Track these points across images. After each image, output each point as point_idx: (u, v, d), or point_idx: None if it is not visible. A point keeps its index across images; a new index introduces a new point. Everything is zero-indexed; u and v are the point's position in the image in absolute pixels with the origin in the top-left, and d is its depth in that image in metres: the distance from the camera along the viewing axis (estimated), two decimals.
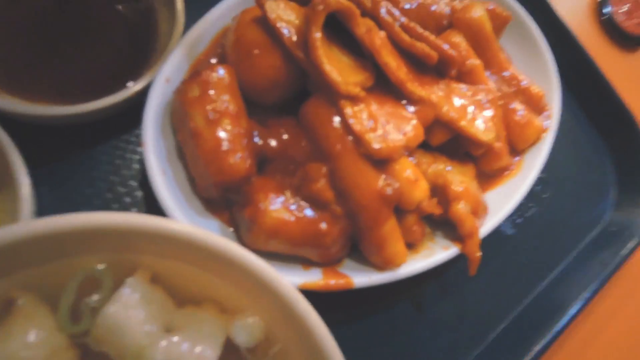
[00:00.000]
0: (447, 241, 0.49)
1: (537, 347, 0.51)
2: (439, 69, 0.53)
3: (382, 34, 0.47)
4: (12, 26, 0.49)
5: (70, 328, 0.30)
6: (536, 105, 0.60)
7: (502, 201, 0.53)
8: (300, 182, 0.43)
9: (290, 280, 0.30)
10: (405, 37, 0.48)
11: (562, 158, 0.69)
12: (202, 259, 0.32)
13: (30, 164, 0.40)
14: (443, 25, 0.58)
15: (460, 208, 0.46)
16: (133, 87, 0.47)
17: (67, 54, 0.50)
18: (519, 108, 0.57)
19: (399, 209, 0.45)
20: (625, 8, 0.92)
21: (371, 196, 0.42)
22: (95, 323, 0.30)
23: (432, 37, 0.50)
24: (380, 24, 0.48)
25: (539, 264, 0.61)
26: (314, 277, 0.43)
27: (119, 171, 0.49)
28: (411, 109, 0.47)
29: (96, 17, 0.53)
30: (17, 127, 0.42)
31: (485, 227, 0.50)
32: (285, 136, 0.45)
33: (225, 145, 0.41)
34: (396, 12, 0.50)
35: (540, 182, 0.64)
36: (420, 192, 0.44)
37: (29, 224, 0.28)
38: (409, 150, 0.45)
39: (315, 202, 0.43)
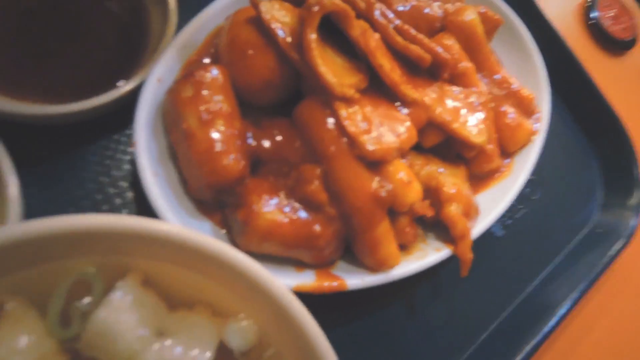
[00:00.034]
0: (439, 243, 0.49)
1: (528, 347, 0.52)
2: (432, 72, 0.53)
3: (377, 36, 0.47)
4: None
5: (60, 333, 0.29)
6: (526, 108, 0.61)
7: (492, 203, 0.53)
8: (294, 183, 0.43)
9: (283, 283, 0.30)
10: (399, 40, 0.48)
11: (551, 160, 0.70)
12: (195, 261, 0.32)
13: (18, 164, 0.39)
14: (436, 27, 0.58)
15: (453, 210, 0.47)
16: (124, 87, 0.46)
17: (56, 52, 0.49)
18: (509, 111, 0.58)
19: (392, 210, 0.45)
20: (611, 13, 0.94)
21: (365, 198, 0.42)
22: (85, 328, 0.29)
23: (425, 40, 0.50)
24: (374, 25, 0.48)
25: (529, 264, 0.62)
26: (308, 279, 0.43)
27: (109, 172, 0.48)
28: (404, 111, 0.47)
29: (86, 15, 0.52)
30: (5, 126, 0.41)
31: (477, 229, 0.50)
32: (279, 137, 0.45)
33: (218, 147, 0.41)
34: (390, 15, 0.50)
35: (529, 184, 0.64)
36: (413, 194, 0.44)
37: (17, 226, 0.27)
38: (403, 152, 0.45)
39: (309, 204, 0.43)
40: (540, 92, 0.63)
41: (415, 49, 0.49)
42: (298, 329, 0.31)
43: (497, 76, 0.61)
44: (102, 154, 0.49)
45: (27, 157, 0.46)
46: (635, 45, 0.93)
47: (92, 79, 0.49)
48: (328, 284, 0.43)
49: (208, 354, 0.31)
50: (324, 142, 0.43)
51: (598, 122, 0.75)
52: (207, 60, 0.51)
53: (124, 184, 0.48)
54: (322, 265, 0.45)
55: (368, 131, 0.43)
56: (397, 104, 0.48)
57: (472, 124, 0.50)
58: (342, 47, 0.48)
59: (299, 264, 0.45)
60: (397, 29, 0.50)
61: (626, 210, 0.68)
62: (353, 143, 0.42)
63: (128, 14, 0.54)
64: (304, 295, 0.34)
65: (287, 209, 0.42)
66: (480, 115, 0.52)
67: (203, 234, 0.30)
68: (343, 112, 0.43)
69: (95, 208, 0.46)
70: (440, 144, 0.52)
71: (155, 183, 0.42)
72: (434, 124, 0.49)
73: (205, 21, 0.52)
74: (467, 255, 0.47)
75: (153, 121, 0.46)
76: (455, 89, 0.53)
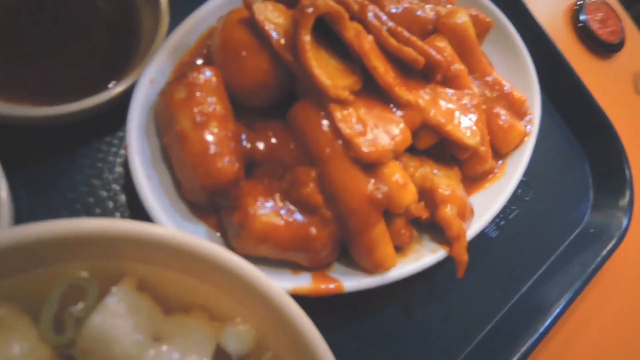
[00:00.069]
0: (435, 244, 0.49)
1: (524, 348, 0.52)
2: (425, 74, 0.53)
3: (370, 38, 0.47)
4: None
5: (54, 339, 0.29)
6: (518, 110, 0.61)
7: (486, 204, 0.54)
8: (289, 186, 0.43)
9: (280, 286, 0.30)
10: (393, 42, 0.48)
11: (542, 161, 0.70)
12: (190, 265, 0.31)
13: (7, 167, 0.39)
14: (428, 30, 0.59)
15: (448, 211, 0.47)
16: (116, 88, 0.45)
17: (46, 52, 0.48)
18: (502, 113, 0.58)
19: (387, 212, 0.45)
20: (599, 16, 0.95)
21: (361, 200, 0.42)
22: (80, 334, 0.29)
23: (419, 42, 0.50)
24: (367, 27, 0.48)
25: (523, 265, 0.63)
26: (304, 282, 0.43)
27: (101, 174, 0.47)
28: (398, 113, 0.47)
29: (76, 16, 0.51)
30: None
31: (472, 230, 0.50)
32: (273, 139, 0.44)
33: (212, 149, 0.40)
34: (383, 17, 0.50)
35: (521, 185, 0.65)
36: (409, 195, 0.44)
37: (8, 231, 0.27)
38: (397, 154, 0.45)
39: (305, 206, 0.42)
40: (531, 94, 0.63)
41: (408, 51, 0.49)
42: (296, 332, 0.30)
43: (488, 78, 0.61)
44: (93, 157, 0.48)
45: (16, 159, 0.45)
46: (623, 48, 0.94)
47: (83, 80, 0.48)
48: (325, 287, 0.43)
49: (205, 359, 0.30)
50: (319, 144, 0.43)
51: (588, 123, 0.76)
52: (199, 62, 0.50)
53: (116, 187, 0.47)
54: (318, 268, 0.45)
55: (363, 133, 0.43)
56: (391, 106, 0.48)
57: (466, 125, 0.50)
58: (335, 49, 0.48)
59: (295, 267, 0.45)
60: (391, 31, 0.50)
61: (618, 211, 0.69)
62: (348, 145, 0.42)
63: (118, 15, 0.53)
64: (300, 298, 0.33)
65: (282, 212, 0.42)
66: (474, 117, 0.52)
67: (198, 237, 0.30)
68: (338, 114, 0.43)
69: (88, 211, 0.46)
70: (433, 145, 0.52)
71: (149, 186, 0.42)
72: (428, 126, 0.49)
73: (198, 22, 0.51)
74: (463, 256, 0.47)
75: (145, 123, 0.46)
76: (448, 91, 0.53)
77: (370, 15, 0.49)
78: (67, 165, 0.47)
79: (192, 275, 0.32)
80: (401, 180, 0.44)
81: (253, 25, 0.46)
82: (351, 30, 0.46)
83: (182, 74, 0.43)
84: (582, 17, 0.92)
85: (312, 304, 0.37)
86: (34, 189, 0.45)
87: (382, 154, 0.43)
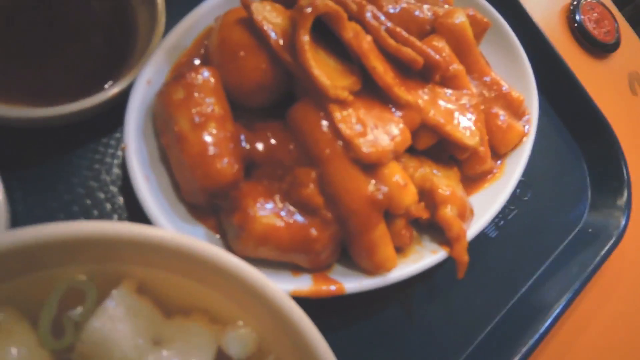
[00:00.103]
0: (435, 245, 0.49)
1: (524, 349, 0.52)
2: (423, 74, 0.53)
3: (369, 38, 0.47)
4: None
5: (52, 344, 0.28)
6: (516, 110, 0.61)
7: (486, 204, 0.54)
8: (289, 187, 0.42)
9: (280, 288, 0.29)
10: (392, 42, 0.48)
11: (540, 161, 0.71)
12: (190, 267, 0.31)
13: (2, 168, 0.38)
14: (426, 30, 0.59)
15: (448, 212, 0.47)
16: (112, 89, 0.45)
17: (41, 53, 0.48)
18: (500, 113, 0.58)
19: (387, 213, 0.45)
20: (594, 16, 0.96)
21: (361, 201, 0.42)
22: (79, 338, 0.28)
23: (417, 42, 0.50)
24: (365, 28, 0.48)
25: (523, 265, 0.63)
26: (305, 284, 0.43)
27: (98, 176, 0.47)
28: (398, 113, 0.47)
29: (72, 16, 0.51)
30: None
31: (472, 231, 0.50)
32: (272, 140, 0.44)
33: (211, 150, 0.40)
34: (382, 17, 0.50)
35: (520, 185, 0.65)
36: (409, 196, 0.44)
37: (6, 235, 0.26)
38: (397, 155, 0.45)
39: (305, 208, 0.42)
40: (528, 94, 0.63)
41: (407, 51, 0.49)
42: (298, 335, 0.30)
43: (486, 78, 0.61)
44: (90, 158, 0.47)
45: (12, 161, 0.44)
46: (618, 48, 0.95)
47: (79, 81, 0.48)
48: (326, 288, 0.42)
49: None
50: (319, 145, 0.42)
51: (585, 123, 0.77)
52: (197, 62, 0.50)
53: (114, 189, 0.47)
54: (318, 269, 0.44)
55: (363, 134, 0.42)
56: (390, 106, 0.47)
57: (465, 125, 0.50)
58: (333, 49, 0.48)
59: (295, 269, 0.44)
60: (389, 31, 0.50)
61: (616, 210, 0.69)
62: (348, 146, 0.42)
63: (114, 15, 0.53)
64: (300, 300, 0.33)
65: (282, 213, 0.41)
66: (473, 117, 0.52)
67: (198, 240, 0.30)
68: (337, 114, 0.42)
69: (85, 213, 0.45)
70: (432, 146, 0.52)
71: (147, 187, 0.42)
72: (427, 126, 0.49)
73: (195, 22, 0.51)
74: (464, 257, 0.47)
75: (143, 124, 0.45)
76: (447, 91, 0.53)
77: (368, 15, 0.48)
78: (63, 166, 0.46)
79: (192, 278, 0.32)
80: (401, 181, 0.43)
81: (251, 25, 0.45)
82: (350, 31, 0.45)
83: (180, 74, 0.43)
84: (577, 18, 0.92)
85: (313, 305, 0.37)
86: (30, 191, 0.44)
87: (382, 154, 0.42)
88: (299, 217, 0.42)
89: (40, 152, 0.46)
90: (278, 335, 0.31)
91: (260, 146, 0.44)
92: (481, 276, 0.58)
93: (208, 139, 0.40)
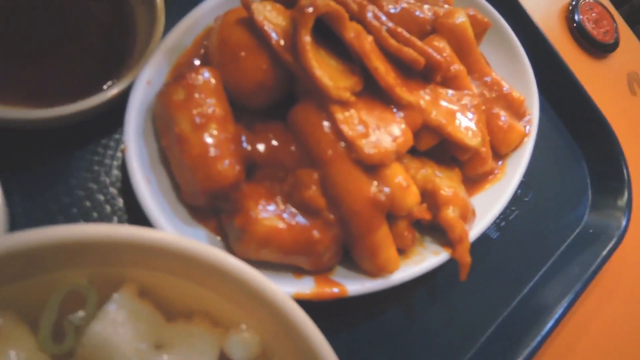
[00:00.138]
0: (437, 246, 0.49)
1: (526, 351, 0.52)
2: (424, 74, 0.53)
3: (370, 38, 0.47)
4: None
5: (52, 348, 0.28)
6: (517, 111, 0.61)
7: (487, 205, 0.53)
8: (290, 188, 0.42)
9: (283, 290, 0.29)
10: (393, 42, 0.48)
11: (540, 162, 0.70)
12: (192, 270, 0.31)
13: (0, 170, 0.38)
14: (426, 30, 0.58)
15: (450, 213, 0.46)
16: (112, 90, 0.44)
17: (40, 54, 0.47)
18: (501, 113, 0.58)
19: (389, 214, 0.45)
20: (593, 16, 0.96)
21: (364, 202, 0.42)
22: (80, 342, 0.28)
23: (418, 43, 0.50)
24: (366, 28, 0.48)
25: (524, 266, 0.62)
26: (307, 286, 0.42)
27: (98, 178, 0.46)
28: (399, 114, 0.47)
29: (70, 16, 0.50)
30: None
31: (474, 232, 0.50)
32: (274, 141, 0.44)
33: (212, 151, 0.40)
34: (383, 17, 0.49)
35: (520, 185, 0.65)
36: (412, 198, 0.43)
37: (5, 238, 0.26)
38: (399, 156, 0.45)
39: (307, 209, 0.42)
40: (529, 94, 0.63)
41: (408, 51, 0.49)
42: (301, 338, 0.30)
43: (487, 78, 0.61)
44: (90, 160, 0.47)
45: (10, 163, 0.44)
46: (617, 48, 0.95)
47: (78, 81, 0.47)
48: (328, 291, 0.42)
49: None
50: (321, 146, 0.42)
51: (586, 123, 0.77)
52: (197, 62, 0.50)
53: (113, 190, 0.46)
54: (320, 271, 0.44)
55: (365, 135, 0.42)
56: (392, 107, 0.47)
57: (467, 126, 0.50)
58: (334, 50, 0.48)
59: (297, 271, 0.44)
60: (390, 32, 0.49)
61: (616, 211, 0.69)
62: (350, 147, 0.42)
63: (113, 15, 0.52)
64: (302, 302, 0.33)
65: (284, 215, 0.41)
66: (474, 118, 0.52)
67: (201, 243, 0.29)
68: (339, 115, 0.42)
69: (85, 216, 0.45)
70: (434, 146, 0.52)
71: (147, 189, 0.41)
72: (429, 127, 0.48)
73: (194, 22, 0.51)
74: (466, 258, 0.47)
75: (143, 125, 0.45)
76: (448, 91, 0.53)
77: (369, 15, 0.48)
78: (62, 168, 0.46)
79: (193, 281, 0.32)
80: (404, 182, 0.43)
81: (251, 26, 0.45)
82: (351, 31, 0.45)
83: (180, 75, 0.42)
84: (576, 18, 0.92)
85: (314, 307, 0.36)
86: (29, 193, 0.44)
87: (384, 155, 0.42)
88: (301, 219, 0.41)
89: (38, 153, 0.46)
90: (281, 339, 0.31)
91: (261, 147, 0.43)
92: (483, 278, 0.58)
93: (209, 140, 0.40)
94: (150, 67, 0.46)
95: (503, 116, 0.58)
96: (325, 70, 0.43)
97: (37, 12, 0.49)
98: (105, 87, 0.47)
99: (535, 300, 0.59)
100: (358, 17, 0.48)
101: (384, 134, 0.43)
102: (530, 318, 0.56)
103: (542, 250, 0.65)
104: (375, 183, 0.42)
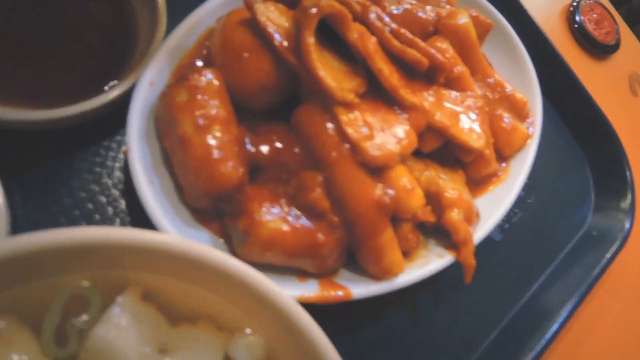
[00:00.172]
0: (441, 249, 0.49)
1: (531, 354, 0.51)
2: (427, 75, 0.52)
3: (374, 39, 0.46)
4: None
5: (55, 352, 0.28)
6: (520, 112, 0.61)
7: (491, 207, 0.53)
8: (295, 190, 0.42)
9: (288, 294, 0.29)
10: (396, 43, 0.47)
11: (543, 164, 0.70)
12: (197, 273, 0.30)
13: (2, 171, 0.37)
14: (429, 31, 0.58)
15: (454, 215, 0.46)
16: (113, 91, 0.44)
17: (41, 54, 0.47)
18: (504, 115, 0.58)
19: (394, 217, 0.44)
20: (594, 17, 0.96)
21: (368, 205, 0.41)
22: (83, 346, 0.28)
23: (422, 44, 0.49)
24: (370, 29, 0.48)
25: (528, 268, 0.62)
26: (311, 289, 0.42)
27: (99, 179, 0.46)
28: (403, 115, 0.46)
29: (72, 17, 0.50)
30: None
31: (478, 234, 0.50)
32: (277, 143, 0.43)
33: (216, 153, 0.39)
34: (386, 18, 0.49)
35: (524, 187, 0.64)
36: (416, 200, 0.43)
37: (8, 241, 0.25)
38: (404, 158, 0.45)
39: (311, 212, 0.41)
40: (531, 95, 0.63)
41: (412, 52, 0.48)
42: (307, 342, 0.29)
43: (490, 80, 0.61)
44: (91, 161, 0.47)
45: (11, 164, 0.43)
46: (618, 49, 0.95)
47: (79, 82, 0.47)
48: (333, 294, 0.42)
49: None
50: (325, 148, 0.42)
51: (588, 125, 0.76)
52: (199, 63, 0.49)
53: (115, 192, 0.46)
54: (325, 274, 0.44)
55: (370, 137, 0.42)
56: (395, 108, 0.47)
57: (471, 128, 0.50)
58: (336, 51, 0.47)
59: (301, 274, 0.44)
60: (393, 33, 0.49)
61: (620, 213, 0.69)
62: (355, 149, 0.41)
63: (115, 16, 0.52)
64: (306, 305, 0.32)
65: (289, 217, 0.41)
66: (478, 119, 0.51)
67: (203, 245, 0.29)
68: (344, 117, 0.42)
69: (87, 218, 0.44)
70: (437, 148, 0.51)
71: (151, 192, 0.41)
72: (433, 129, 0.48)
73: (196, 23, 0.50)
74: (471, 261, 0.46)
75: (145, 126, 0.44)
76: (451, 93, 0.52)
77: (372, 16, 0.48)
78: (64, 170, 0.45)
79: (198, 284, 0.31)
80: (409, 185, 0.43)
81: (254, 26, 0.45)
82: (355, 32, 0.45)
83: (183, 76, 0.42)
84: (577, 18, 0.92)
85: (317, 310, 0.36)
86: (30, 194, 0.43)
87: (389, 157, 0.42)
88: (305, 222, 0.41)
89: (40, 154, 0.45)
90: (286, 342, 0.31)
91: (265, 149, 0.43)
92: (486, 280, 0.58)
93: (212, 142, 0.40)
94: (152, 68, 0.46)
95: (506, 118, 0.58)
96: (329, 72, 0.42)
97: (39, 13, 0.48)
98: (106, 88, 0.46)
99: (539, 303, 0.59)
100: (361, 18, 0.48)
101: (388, 135, 0.43)
102: (535, 321, 0.56)
103: (545, 252, 0.65)
104: (379, 185, 0.42)
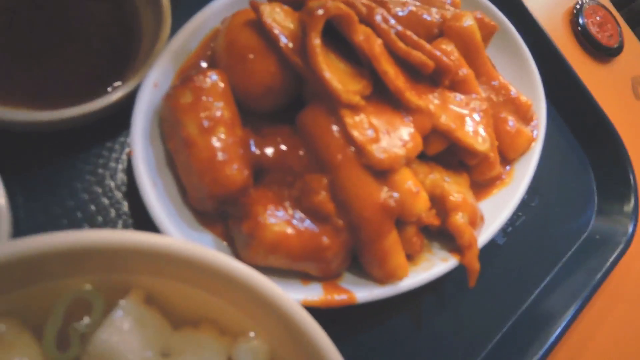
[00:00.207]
0: (445, 252, 0.48)
1: (535, 358, 0.51)
2: (432, 78, 0.52)
3: (379, 41, 0.46)
4: None
5: (57, 356, 0.27)
6: (524, 115, 0.60)
7: (495, 211, 0.53)
8: (299, 193, 0.41)
9: (292, 298, 0.28)
10: (402, 45, 0.47)
11: (546, 167, 0.70)
12: (200, 276, 0.30)
13: (3, 173, 0.37)
14: (434, 33, 0.58)
15: (459, 219, 0.46)
16: (117, 92, 0.44)
17: (44, 55, 0.46)
18: (509, 118, 0.58)
19: (398, 220, 0.44)
20: (597, 20, 0.95)
21: (373, 208, 0.41)
22: (85, 350, 0.27)
23: (427, 46, 0.49)
24: (375, 31, 0.47)
25: (531, 272, 0.62)
26: (315, 293, 0.42)
27: (102, 181, 0.46)
28: (409, 118, 0.46)
29: (75, 17, 0.50)
30: None
31: (482, 238, 0.50)
32: (282, 146, 0.43)
33: (220, 155, 0.39)
34: (391, 20, 0.49)
35: (527, 190, 0.64)
36: (421, 203, 0.43)
37: (10, 244, 0.25)
38: (409, 161, 0.44)
39: (316, 215, 0.41)
40: (535, 98, 0.63)
41: (417, 54, 0.48)
42: (311, 346, 0.29)
43: (494, 82, 0.60)
44: (94, 162, 0.46)
45: (13, 166, 0.43)
46: (622, 52, 0.95)
47: (83, 83, 0.47)
48: (338, 298, 0.41)
49: None
50: (330, 151, 0.42)
51: (591, 128, 0.76)
52: (203, 65, 0.49)
53: (118, 194, 0.46)
54: (329, 278, 0.43)
55: (375, 140, 0.41)
56: (401, 111, 0.47)
57: (476, 131, 0.50)
58: (341, 52, 0.47)
59: (305, 277, 0.43)
60: (399, 35, 0.49)
61: (623, 216, 0.69)
62: (360, 152, 0.41)
63: (119, 16, 0.52)
64: (309, 309, 0.32)
65: (293, 221, 0.40)
66: (483, 122, 0.51)
67: (207, 248, 0.29)
68: (349, 120, 0.42)
69: (89, 220, 0.44)
70: (441, 151, 0.51)
71: (155, 195, 0.40)
72: (438, 132, 0.48)
73: (201, 24, 0.50)
74: (475, 265, 0.46)
75: (149, 128, 0.44)
76: (456, 95, 0.52)
77: (378, 18, 0.48)
78: (66, 171, 0.45)
79: (201, 288, 0.31)
80: (414, 188, 0.43)
81: (259, 28, 0.44)
82: (361, 34, 0.45)
83: (187, 77, 0.42)
84: (581, 21, 0.92)
85: (321, 313, 0.36)
86: (32, 196, 0.43)
87: (395, 160, 0.41)
88: (309, 225, 0.41)
89: (42, 156, 0.45)
90: (290, 347, 0.31)
91: (269, 151, 0.43)
92: (490, 284, 0.58)
93: (217, 144, 0.39)
94: (156, 69, 0.45)
95: (511, 121, 0.57)
96: (335, 74, 0.42)
97: (41, 13, 0.48)
98: (110, 89, 0.46)
99: (541, 306, 0.58)
100: (366, 20, 0.47)
101: (393, 138, 0.43)
102: (537, 325, 0.56)
103: (548, 256, 0.65)
104: (385, 188, 0.42)
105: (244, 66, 0.44)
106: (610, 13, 0.97)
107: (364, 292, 0.43)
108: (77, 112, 0.41)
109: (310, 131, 0.43)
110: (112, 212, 0.45)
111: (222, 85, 0.42)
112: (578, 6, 0.94)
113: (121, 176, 0.46)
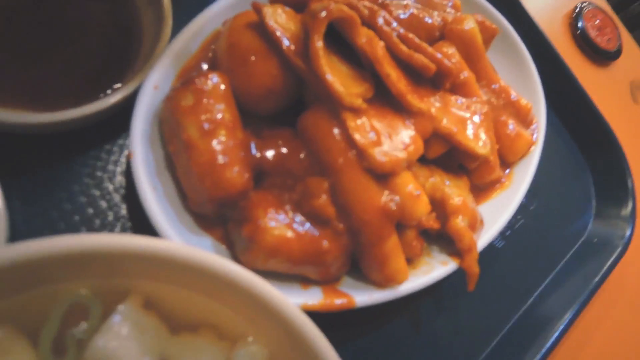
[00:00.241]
0: (445, 256, 0.48)
1: None
2: (433, 81, 0.52)
3: (382, 44, 0.46)
4: None
5: None
6: (524, 118, 0.60)
7: (494, 214, 0.53)
8: (300, 197, 0.41)
9: (292, 302, 0.28)
10: (404, 48, 0.47)
11: (545, 170, 0.70)
12: (199, 281, 0.30)
13: (0, 176, 0.37)
14: (435, 36, 0.58)
15: (459, 222, 0.46)
16: (117, 94, 0.43)
17: (43, 56, 0.46)
18: (509, 121, 0.58)
19: (398, 223, 0.44)
20: (596, 23, 0.95)
21: (374, 211, 0.41)
22: (83, 356, 0.27)
23: (429, 49, 0.49)
24: (377, 33, 0.47)
25: (529, 275, 0.62)
26: (314, 297, 0.41)
27: (100, 184, 0.45)
28: (410, 121, 0.46)
29: (75, 18, 0.49)
30: None
31: (481, 241, 0.49)
32: (283, 149, 0.43)
33: (221, 158, 0.39)
34: (393, 23, 0.49)
35: (526, 194, 0.64)
36: (422, 207, 0.43)
37: (6, 249, 0.25)
38: (410, 164, 0.44)
39: (316, 219, 0.41)
40: (535, 102, 0.63)
41: (419, 57, 0.48)
42: (311, 351, 0.29)
43: (495, 86, 0.60)
44: (93, 165, 0.46)
45: (10, 168, 0.43)
46: (620, 56, 0.95)
47: (82, 85, 0.46)
48: (337, 302, 0.41)
49: None
50: (331, 154, 0.41)
51: (590, 132, 0.76)
52: (205, 67, 0.49)
53: (117, 197, 0.45)
54: (328, 282, 0.43)
55: (377, 143, 0.41)
56: (402, 114, 0.46)
57: (476, 134, 0.50)
58: (343, 55, 0.47)
59: (304, 281, 0.43)
60: (401, 37, 0.49)
61: (621, 220, 0.69)
62: (362, 155, 0.41)
63: (119, 18, 0.51)
64: (308, 313, 0.32)
65: (294, 224, 0.40)
66: (483, 125, 0.51)
67: (206, 252, 0.28)
68: (351, 122, 0.41)
69: (87, 223, 0.43)
70: (441, 154, 0.51)
71: (155, 198, 0.40)
72: (439, 135, 0.48)
73: (202, 26, 0.50)
74: (474, 268, 0.46)
75: (149, 130, 0.44)
76: (457, 98, 0.52)
77: (380, 21, 0.47)
78: (64, 174, 0.45)
79: (200, 292, 0.31)
80: (415, 191, 0.42)
81: (261, 30, 0.44)
82: (363, 36, 0.44)
83: (188, 79, 0.41)
84: (580, 25, 0.92)
85: (320, 317, 0.36)
86: (29, 199, 0.43)
87: (396, 163, 0.41)
88: (310, 228, 0.41)
89: (40, 158, 0.45)
90: (289, 351, 0.30)
91: (270, 154, 0.42)
92: (488, 287, 0.58)
93: (217, 147, 0.39)
94: (157, 71, 0.45)
95: (511, 124, 0.57)
96: (337, 77, 0.42)
97: (40, 14, 0.48)
98: (109, 90, 0.46)
99: (540, 310, 0.58)
100: (368, 22, 0.47)
101: (395, 141, 0.43)
102: (536, 328, 0.56)
103: (546, 259, 0.65)
104: (385, 192, 0.41)
105: (245, 68, 0.43)
106: (610, 17, 0.97)
107: (364, 296, 0.43)
108: (76, 114, 0.41)
109: (312, 134, 0.42)
110: (111, 216, 0.44)
111: (223, 87, 0.42)
112: (577, 9, 0.94)
113: (120, 179, 0.46)
